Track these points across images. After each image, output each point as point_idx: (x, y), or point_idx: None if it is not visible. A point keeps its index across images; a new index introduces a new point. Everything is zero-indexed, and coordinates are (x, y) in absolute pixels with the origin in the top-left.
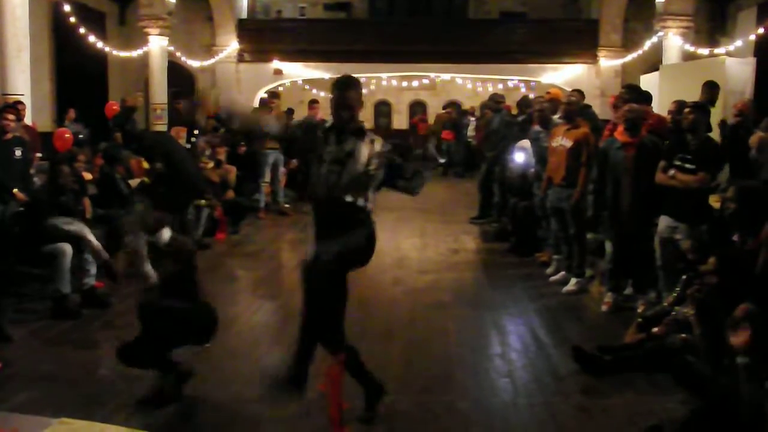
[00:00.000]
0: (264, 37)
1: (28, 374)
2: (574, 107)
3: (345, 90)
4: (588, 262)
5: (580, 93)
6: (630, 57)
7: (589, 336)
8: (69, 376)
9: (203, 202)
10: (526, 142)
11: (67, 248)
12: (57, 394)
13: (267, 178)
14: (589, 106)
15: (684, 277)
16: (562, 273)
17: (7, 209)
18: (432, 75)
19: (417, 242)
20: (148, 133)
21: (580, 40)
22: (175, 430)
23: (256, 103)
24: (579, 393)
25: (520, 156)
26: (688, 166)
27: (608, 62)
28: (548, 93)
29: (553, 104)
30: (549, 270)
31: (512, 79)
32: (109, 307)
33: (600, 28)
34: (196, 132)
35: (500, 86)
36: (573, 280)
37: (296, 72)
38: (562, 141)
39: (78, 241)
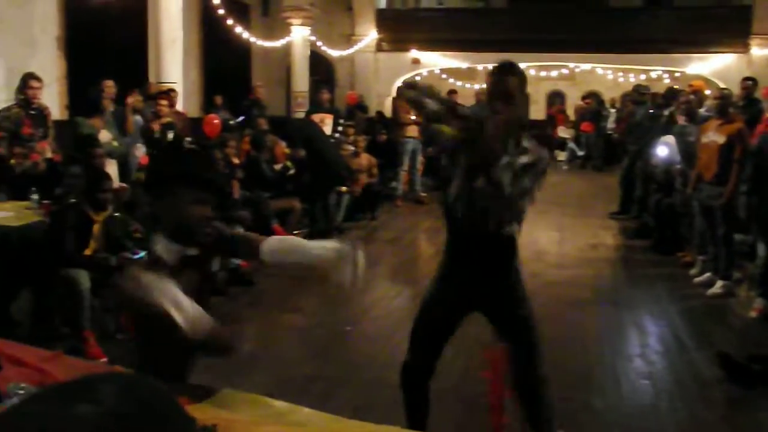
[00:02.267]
0: (402, 27)
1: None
2: (728, 101)
3: (504, 75)
4: (736, 264)
5: (753, 81)
6: None
7: (736, 342)
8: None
9: (344, 188)
10: (670, 138)
11: None
12: (205, 365)
13: (405, 166)
14: (759, 101)
15: None
16: (708, 275)
17: None
18: (571, 65)
19: (554, 236)
20: (290, 119)
21: (729, 28)
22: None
23: (393, 93)
24: (725, 403)
25: (663, 150)
26: None
27: (762, 51)
28: (690, 85)
29: (698, 97)
30: (693, 271)
31: (655, 70)
32: (253, 286)
33: (753, 14)
34: (341, 120)
35: (642, 77)
36: (719, 283)
37: (434, 61)
38: (713, 136)
39: (229, 222)
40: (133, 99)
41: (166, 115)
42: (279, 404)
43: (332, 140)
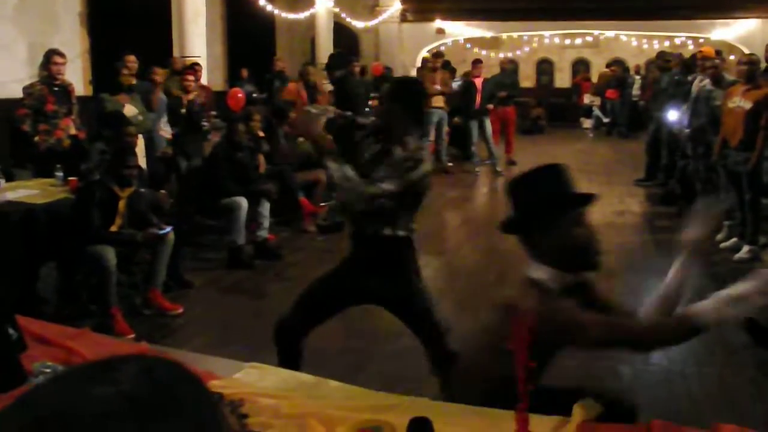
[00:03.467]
0: None
1: (205, 320)
2: (757, 66)
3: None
4: (762, 229)
5: None
6: None
7: (763, 308)
8: (242, 323)
9: None
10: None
11: (243, 202)
12: (230, 339)
13: (431, 136)
14: None
15: None
16: (734, 240)
17: (189, 164)
18: (595, 32)
19: None
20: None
21: None
22: (347, 379)
23: (418, 62)
24: (753, 367)
25: (674, 114)
26: None
27: None
28: (700, 52)
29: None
30: (720, 236)
31: (679, 36)
32: (280, 259)
33: None
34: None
35: (666, 43)
36: (746, 248)
37: (458, 31)
38: (740, 102)
39: (254, 196)
40: (161, 75)
41: (192, 90)
42: (306, 377)
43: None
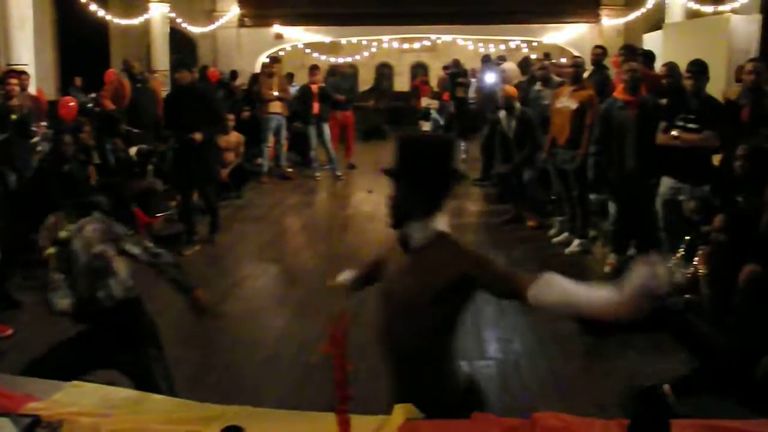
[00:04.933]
0: (264, 2)
1: (35, 341)
2: (581, 69)
3: None
4: (591, 223)
5: (603, 50)
6: (633, 15)
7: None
8: None
9: None
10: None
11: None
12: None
13: (270, 142)
14: (606, 68)
15: (687, 238)
16: (566, 234)
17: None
18: (433, 36)
19: None
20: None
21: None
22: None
23: (257, 68)
24: (581, 355)
25: (491, 77)
26: (691, 126)
27: (610, 21)
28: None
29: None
30: (552, 231)
31: (514, 40)
32: None
33: None
34: None
35: (502, 47)
36: (576, 242)
37: (297, 36)
38: (567, 102)
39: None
40: None
41: (15, 95)
42: (128, 392)
43: None
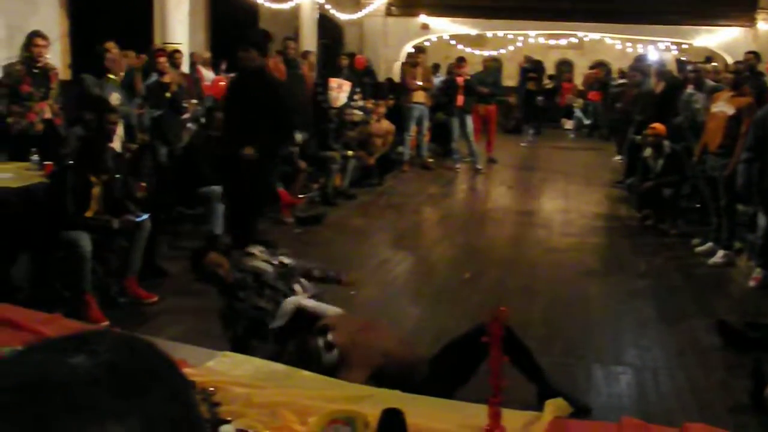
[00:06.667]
0: None
1: (180, 309)
2: (742, 74)
3: None
4: (737, 235)
5: (756, 55)
6: None
7: (735, 311)
8: (216, 312)
9: (350, 152)
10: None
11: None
12: (203, 328)
13: (412, 131)
14: (762, 74)
15: None
16: (710, 244)
17: (170, 151)
18: (580, 34)
19: (560, 204)
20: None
21: (737, 1)
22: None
23: (402, 57)
24: (722, 369)
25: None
26: None
27: (767, 26)
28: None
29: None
30: (696, 240)
31: (663, 41)
32: None
33: None
34: (357, 89)
35: (650, 47)
36: (720, 252)
37: (443, 27)
38: (723, 107)
39: None
40: (139, 61)
41: (168, 72)
42: (278, 367)
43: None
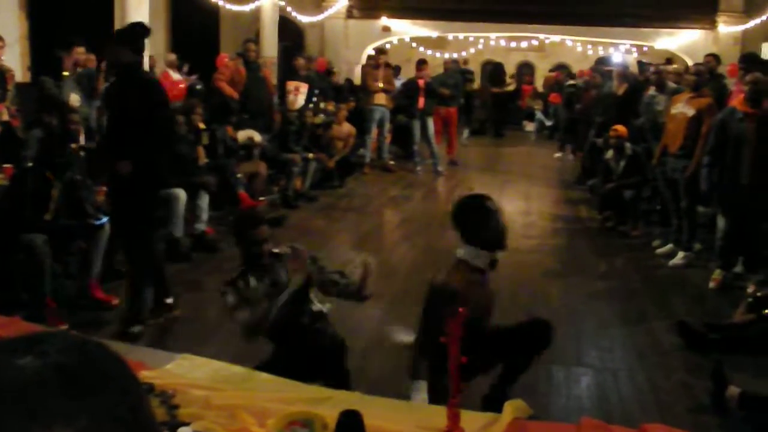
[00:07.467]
0: None
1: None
2: (703, 76)
3: None
4: (697, 236)
5: (716, 58)
6: (752, 23)
7: (695, 312)
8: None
9: (311, 155)
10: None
11: (182, 194)
12: (165, 331)
13: (373, 134)
14: (722, 77)
15: None
16: (670, 246)
17: None
18: (541, 36)
19: (521, 206)
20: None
21: (697, 4)
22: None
23: (363, 59)
24: (683, 370)
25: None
26: None
27: (727, 28)
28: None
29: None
30: (656, 242)
31: (624, 43)
32: (217, 252)
33: None
34: (316, 91)
35: (611, 50)
36: (681, 254)
37: (404, 29)
38: (683, 108)
39: (193, 188)
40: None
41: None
42: (237, 369)
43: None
